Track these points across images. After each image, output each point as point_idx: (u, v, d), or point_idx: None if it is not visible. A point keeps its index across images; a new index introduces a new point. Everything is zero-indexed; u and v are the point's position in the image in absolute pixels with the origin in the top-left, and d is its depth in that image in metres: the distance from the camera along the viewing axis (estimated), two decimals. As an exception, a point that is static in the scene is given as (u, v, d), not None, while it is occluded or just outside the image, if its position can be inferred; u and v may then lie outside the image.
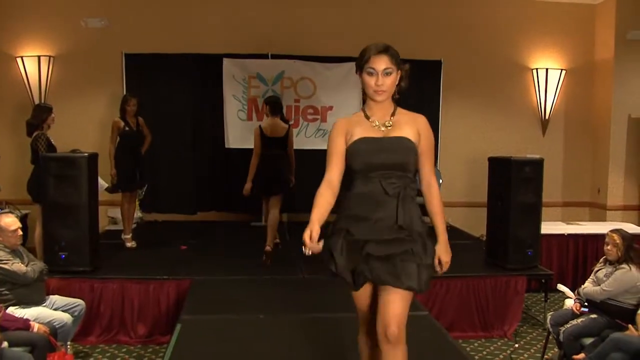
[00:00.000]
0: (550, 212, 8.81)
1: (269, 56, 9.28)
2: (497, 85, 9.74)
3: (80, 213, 6.02)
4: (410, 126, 3.15)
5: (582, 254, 7.82)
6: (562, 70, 9.72)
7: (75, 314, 5.28)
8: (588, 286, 5.30)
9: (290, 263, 6.81)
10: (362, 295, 3.18)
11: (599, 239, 6.62)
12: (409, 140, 3.11)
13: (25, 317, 4.73)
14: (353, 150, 3.10)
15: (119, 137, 7.37)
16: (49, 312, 5.04)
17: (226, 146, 9.18)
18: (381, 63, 3.08)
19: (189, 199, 9.38)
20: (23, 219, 7.51)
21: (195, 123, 9.28)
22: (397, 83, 3.16)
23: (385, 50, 3.11)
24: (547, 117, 9.80)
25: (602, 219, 9.33)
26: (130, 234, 7.59)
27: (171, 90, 9.15)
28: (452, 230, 8.90)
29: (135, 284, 6.02)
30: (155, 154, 8.59)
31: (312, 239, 2.85)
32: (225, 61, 9.12)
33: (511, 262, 6.52)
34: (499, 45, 9.69)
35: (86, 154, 6.17)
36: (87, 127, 8.89)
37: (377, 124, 3.16)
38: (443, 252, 3.19)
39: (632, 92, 9.30)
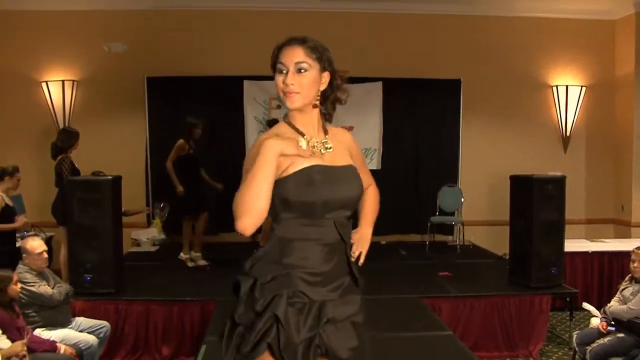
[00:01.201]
0: (573, 230, 8.74)
1: (289, 78, 9.31)
2: (517, 103, 9.72)
3: (104, 235, 6.07)
4: (345, 148, 2.49)
5: (607, 272, 7.73)
6: (582, 86, 9.68)
7: (101, 335, 5.32)
8: (614, 305, 5.25)
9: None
10: None
11: (623, 256, 6.57)
12: (355, 168, 2.44)
13: (51, 339, 4.78)
14: (302, 181, 2.27)
15: (181, 159, 7.53)
16: (75, 334, 5.09)
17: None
18: (293, 56, 2.33)
19: (210, 220, 9.40)
20: (48, 242, 7.58)
21: (217, 145, 9.33)
22: (324, 88, 2.40)
23: (302, 40, 2.38)
24: (568, 134, 9.76)
25: (627, 235, 9.24)
26: (198, 254, 7.81)
27: (192, 113, 9.17)
28: (474, 249, 8.91)
29: (160, 305, 6.05)
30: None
31: None
32: (246, 83, 9.19)
33: (535, 281, 6.46)
34: (519, 63, 9.68)
35: (110, 177, 6.24)
36: (110, 150, 8.95)
37: (315, 144, 2.38)
38: (365, 241, 2.59)
39: (654, 108, 9.25)
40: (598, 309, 5.62)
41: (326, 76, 2.39)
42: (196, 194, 7.61)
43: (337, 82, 2.43)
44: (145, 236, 8.78)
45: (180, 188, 7.47)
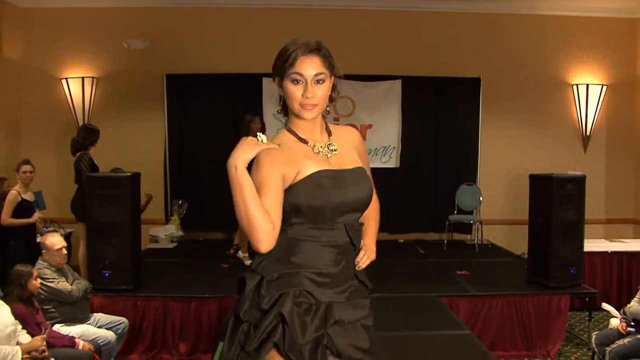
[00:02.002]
0: (593, 229, 8.68)
1: (308, 75, 9.31)
2: (537, 101, 9.65)
3: (123, 232, 6.10)
4: (352, 148, 2.45)
5: (627, 272, 7.67)
6: (603, 85, 9.60)
7: (119, 331, 5.36)
8: (634, 305, 5.21)
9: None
10: None
11: (643, 256, 6.52)
12: (363, 169, 2.40)
13: (70, 335, 4.82)
14: (310, 187, 2.27)
15: None
16: (93, 330, 5.12)
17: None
18: (311, 67, 2.29)
19: (229, 217, 9.41)
20: (67, 238, 7.64)
21: (236, 142, 9.24)
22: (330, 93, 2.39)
23: (318, 48, 2.32)
24: (588, 133, 9.68)
25: (647, 236, 9.18)
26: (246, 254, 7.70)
27: (212, 110, 9.26)
28: (492, 248, 8.88)
29: (178, 302, 6.07)
30: (196, 173, 8.69)
31: None
32: (265, 81, 9.18)
33: (554, 280, 6.42)
34: (539, 61, 9.61)
35: (129, 174, 6.27)
36: (129, 147, 9.00)
37: (320, 149, 2.36)
38: (371, 252, 2.45)
39: (675, 107, 9.17)
40: (617, 309, 5.58)
41: (332, 80, 2.39)
42: None
43: (335, 83, 2.43)
44: (164, 233, 8.81)
45: None
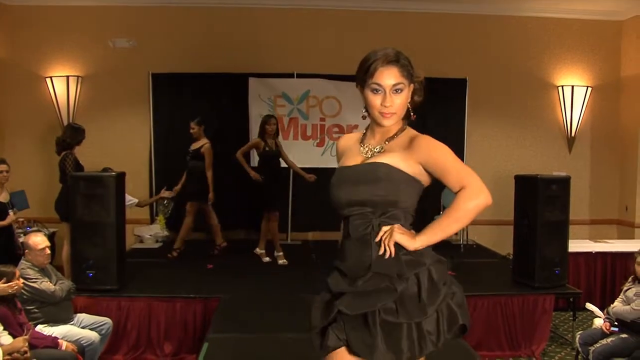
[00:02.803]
0: (577, 230, 8.73)
1: (295, 75, 9.33)
2: (523, 103, 9.69)
3: (107, 231, 6.06)
4: (401, 151, 2.47)
5: (611, 272, 7.71)
6: (588, 87, 9.65)
7: (103, 332, 5.32)
8: (618, 305, 5.24)
9: (319, 282, 6.80)
10: None
11: (627, 257, 6.54)
12: (386, 166, 2.42)
13: (53, 335, 4.78)
14: (332, 180, 2.58)
15: (260, 156, 7.73)
16: (77, 330, 5.09)
17: (251, 165, 9.20)
18: (390, 77, 2.41)
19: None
20: (51, 238, 7.60)
21: (221, 142, 9.31)
22: (409, 99, 2.50)
23: (396, 59, 2.44)
24: (573, 134, 9.73)
25: (631, 236, 9.21)
26: (279, 251, 7.85)
27: (197, 110, 9.18)
28: (478, 248, 8.91)
29: (162, 302, 6.04)
30: (181, 173, 8.66)
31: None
32: (251, 80, 9.17)
33: (538, 281, 6.45)
34: (524, 62, 9.66)
35: (114, 173, 6.23)
36: (114, 146, 8.97)
37: (367, 149, 2.55)
38: (405, 233, 2.41)
39: (660, 109, 9.22)
40: (601, 309, 5.61)
41: (412, 88, 2.50)
42: (270, 191, 7.65)
43: (416, 87, 2.53)
44: (149, 233, 8.79)
45: (253, 174, 7.65)
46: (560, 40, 9.67)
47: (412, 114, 2.55)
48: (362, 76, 2.46)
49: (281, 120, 9.16)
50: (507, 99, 9.66)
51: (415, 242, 2.38)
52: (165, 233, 8.93)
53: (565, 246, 6.65)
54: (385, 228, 2.40)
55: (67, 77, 9.03)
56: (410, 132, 2.55)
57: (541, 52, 9.68)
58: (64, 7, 9.06)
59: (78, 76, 9.09)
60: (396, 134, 2.53)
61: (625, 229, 9.56)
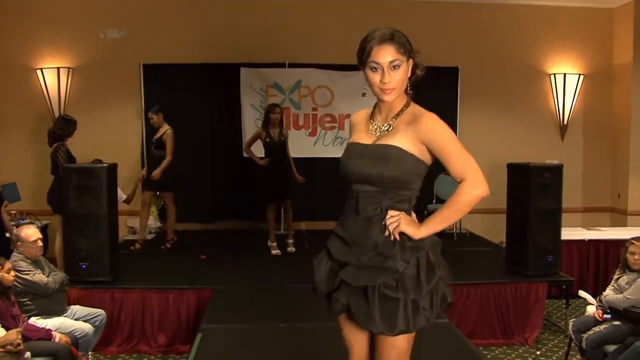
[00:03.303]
0: (570, 218, 8.76)
1: (286, 65, 9.31)
2: (515, 91, 9.70)
3: (100, 223, 6.05)
4: (407, 132, 2.55)
5: (603, 260, 7.75)
6: (580, 75, 9.66)
7: (96, 323, 5.31)
8: (610, 293, 5.24)
9: (310, 271, 6.81)
10: (345, 326, 2.73)
11: (619, 244, 6.54)
12: (396, 148, 2.52)
13: (47, 327, 4.76)
14: (343, 155, 2.67)
15: (263, 146, 7.64)
16: (70, 322, 5.07)
17: (244, 155, 9.18)
18: (386, 55, 2.50)
19: (207, 208, 9.41)
20: (43, 230, 7.58)
21: (213, 132, 9.32)
22: (409, 75, 2.60)
23: (391, 37, 2.52)
24: (565, 122, 9.74)
25: (623, 224, 9.25)
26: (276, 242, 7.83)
27: (189, 100, 9.19)
28: (471, 237, 8.93)
29: (156, 293, 6.05)
30: (174, 164, 8.65)
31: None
32: (243, 70, 9.15)
33: (531, 269, 6.48)
34: (516, 51, 9.65)
35: (105, 165, 6.21)
36: (105, 138, 8.93)
37: (375, 127, 2.64)
38: (410, 224, 2.54)
39: (652, 96, 9.23)
40: (594, 296, 5.62)
41: (411, 63, 2.59)
42: (271, 181, 7.61)
43: (416, 62, 2.62)
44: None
45: (260, 162, 7.61)
46: (552, 28, 9.66)
47: (409, 89, 2.63)
48: (361, 56, 2.59)
49: (273, 110, 9.15)
50: (499, 87, 9.66)
51: (420, 232, 2.52)
52: (158, 224, 8.91)
53: (558, 234, 6.67)
54: (392, 213, 2.52)
55: (58, 68, 8.98)
56: (414, 108, 2.64)
57: (533, 40, 9.68)
58: (53, -2, 9.01)
59: (69, 67, 9.04)
60: (401, 110, 2.62)
61: (617, 217, 9.60)
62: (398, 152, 2.51)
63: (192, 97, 9.21)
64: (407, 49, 2.54)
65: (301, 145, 8.98)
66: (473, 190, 2.50)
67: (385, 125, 2.61)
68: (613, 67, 9.76)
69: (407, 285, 2.49)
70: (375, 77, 2.53)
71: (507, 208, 6.93)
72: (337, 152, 8.85)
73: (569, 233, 7.60)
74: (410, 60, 2.57)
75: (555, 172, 6.64)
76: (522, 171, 6.64)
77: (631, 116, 9.24)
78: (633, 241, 5.22)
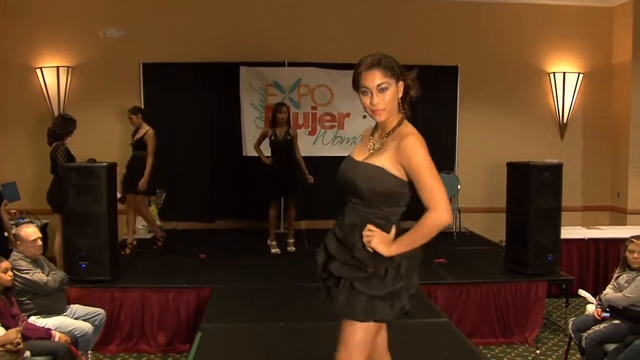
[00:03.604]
0: (569, 217, 8.76)
1: (286, 64, 9.30)
2: (514, 90, 9.69)
3: (100, 222, 6.04)
4: (390, 152, 2.77)
5: (603, 259, 7.75)
6: (579, 73, 9.65)
7: (96, 323, 5.31)
8: (609, 292, 5.24)
9: (310, 270, 6.80)
10: None
11: (619, 243, 6.52)
12: (376, 168, 2.75)
13: (46, 327, 4.76)
14: (341, 164, 2.97)
15: (270, 144, 7.59)
16: (70, 322, 5.07)
17: (243, 154, 9.19)
18: (374, 79, 2.74)
19: (206, 207, 9.41)
20: (43, 229, 7.58)
21: (213, 131, 9.31)
22: (401, 95, 2.82)
23: (377, 63, 2.75)
24: (565, 121, 9.74)
25: (623, 222, 9.25)
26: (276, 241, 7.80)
27: (189, 99, 9.19)
28: (470, 236, 8.94)
29: (155, 292, 6.05)
30: (174, 163, 8.65)
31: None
32: (242, 69, 9.15)
33: (531, 268, 6.47)
34: (516, 49, 9.65)
35: (105, 164, 6.20)
36: (105, 137, 8.93)
37: (371, 144, 2.89)
38: (383, 242, 2.77)
39: (651, 95, 9.22)
40: (594, 295, 5.62)
41: (401, 85, 2.80)
42: (276, 180, 7.57)
43: (408, 83, 2.83)
44: (141, 223, 8.75)
45: (265, 160, 7.65)
46: (552, 26, 9.66)
47: (402, 109, 2.87)
48: (354, 82, 2.83)
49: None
50: (499, 86, 9.65)
51: (389, 252, 2.76)
52: (158, 223, 8.89)
53: (558, 233, 6.67)
54: (370, 228, 2.78)
55: (58, 67, 8.97)
56: (405, 128, 2.84)
57: (532, 38, 9.68)
58: (53, -2, 9.01)
59: (68, 67, 9.03)
60: (393, 129, 2.83)
61: (617, 216, 9.59)
62: (378, 171, 2.75)
63: (192, 96, 9.21)
64: (395, 72, 2.76)
65: (301, 144, 8.95)
66: (437, 219, 2.71)
67: (378, 143, 2.85)
68: (612, 65, 9.75)
69: (372, 283, 2.77)
70: (366, 100, 2.79)
71: (507, 207, 6.92)
72: (336, 151, 8.92)
73: (568, 232, 7.60)
74: (401, 82, 2.80)
75: (554, 171, 6.63)
76: (521, 170, 6.63)
77: (631, 115, 9.24)
78: (633, 239, 5.22)
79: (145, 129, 7.54)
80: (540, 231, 6.48)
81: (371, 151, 2.85)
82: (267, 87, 9.26)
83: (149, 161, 7.41)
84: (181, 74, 9.15)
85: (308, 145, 9.15)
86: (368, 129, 3.04)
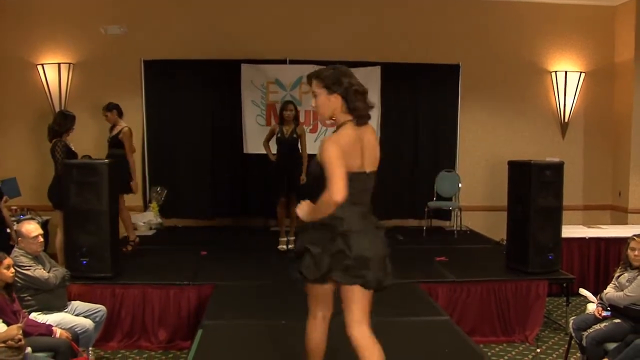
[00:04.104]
0: (571, 216, 8.74)
1: (287, 61, 9.30)
2: (516, 88, 9.69)
3: (101, 219, 6.04)
4: None
5: (604, 258, 7.74)
6: (581, 72, 9.65)
7: (97, 319, 5.30)
8: (610, 291, 5.24)
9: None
10: None
11: (620, 242, 6.54)
12: (314, 159, 3.32)
13: (47, 323, 4.76)
14: None
15: (276, 142, 7.66)
16: (71, 318, 5.07)
17: (244, 151, 9.19)
18: (311, 86, 3.32)
19: (207, 204, 9.40)
20: (44, 225, 7.57)
21: (214, 129, 9.31)
22: (339, 105, 3.25)
23: (316, 76, 3.30)
24: (566, 120, 9.73)
25: (624, 222, 9.25)
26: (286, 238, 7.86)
27: (190, 97, 9.19)
28: (471, 234, 8.94)
29: (156, 289, 6.04)
30: (175, 160, 8.64)
31: None
32: (244, 67, 9.15)
33: (532, 266, 6.47)
34: (518, 48, 9.64)
35: (107, 161, 6.20)
36: (106, 134, 8.88)
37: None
38: (301, 211, 3.34)
39: (653, 94, 9.22)
40: (595, 294, 5.61)
41: (335, 97, 3.24)
42: (279, 177, 7.64)
43: (350, 97, 3.23)
44: (142, 220, 8.76)
45: (271, 157, 7.73)
46: (554, 25, 9.65)
47: (332, 117, 3.31)
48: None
49: (274, 106, 9.14)
50: (500, 85, 9.65)
51: (302, 216, 3.34)
52: (159, 220, 8.92)
53: (559, 232, 6.67)
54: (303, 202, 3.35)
55: (59, 64, 8.98)
56: (338, 131, 3.26)
57: (534, 37, 9.67)
58: (54, -6, 9.00)
59: (70, 63, 9.03)
60: (334, 131, 3.30)
61: (618, 215, 9.59)
62: (314, 162, 3.27)
63: (193, 93, 9.21)
64: (328, 84, 3.24)
65: (302, 142, 9.01)
66: (328, 196, 3.11)
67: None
68: (614, 64, 9.75)
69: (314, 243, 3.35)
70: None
71: (508, 205, 6.92)
72: (337, 149, 8.91)
73: (569, 231, 7.60)
74: (336, 93, 3.23)
75: (556, 170, 6.63)
76: (523, 169, 6.63)
77: (632, 114, 9.23)
78: (634, 237, 5.22)
79: (121, 126, 7.51)
80: (541, 230, 6.48)
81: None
82: (269, 85, 9.26)
83: (130, 160, 7.41)
84: (182, 71, 9.15)
85: (309, 143, 9.05)
86: None
